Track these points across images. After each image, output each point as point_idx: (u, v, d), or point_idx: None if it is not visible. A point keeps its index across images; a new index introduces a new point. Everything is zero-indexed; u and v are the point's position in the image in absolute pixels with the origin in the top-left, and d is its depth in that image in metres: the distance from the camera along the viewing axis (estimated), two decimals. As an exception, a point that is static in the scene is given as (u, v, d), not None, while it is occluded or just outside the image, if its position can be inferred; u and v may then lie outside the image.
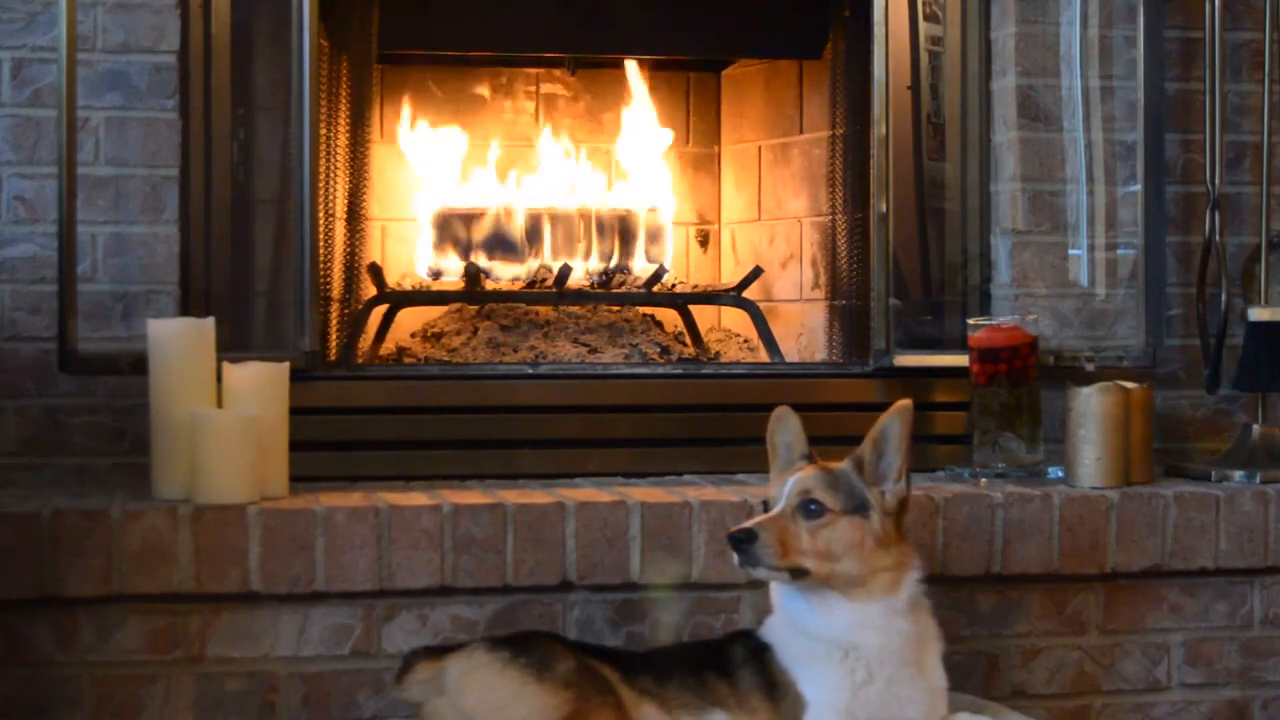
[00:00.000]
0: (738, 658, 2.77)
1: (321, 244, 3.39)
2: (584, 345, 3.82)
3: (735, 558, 2.64)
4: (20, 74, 3.26)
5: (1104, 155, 3.66)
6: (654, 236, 4.03)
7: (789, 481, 2.69)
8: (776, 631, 2.76)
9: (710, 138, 4.37)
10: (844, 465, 2.73)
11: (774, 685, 2.71)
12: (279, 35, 3.38)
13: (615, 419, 3.48)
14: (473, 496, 3.08)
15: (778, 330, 3.96)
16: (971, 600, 3.17)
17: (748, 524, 2.65)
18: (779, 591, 2.75)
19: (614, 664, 2.79)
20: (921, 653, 2.74)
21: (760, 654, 2.75)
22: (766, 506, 2.70)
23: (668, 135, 4.14)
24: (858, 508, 2.69)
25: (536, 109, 4.20)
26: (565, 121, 4.19)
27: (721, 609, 3.06)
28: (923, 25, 3.75)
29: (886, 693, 2.68)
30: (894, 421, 2.73)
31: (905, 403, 2.74)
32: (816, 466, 2.73)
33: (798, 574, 2.65)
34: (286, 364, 3.10)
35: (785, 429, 2.79)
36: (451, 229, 3.91)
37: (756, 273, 4.02)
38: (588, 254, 3.96)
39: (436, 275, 3.92)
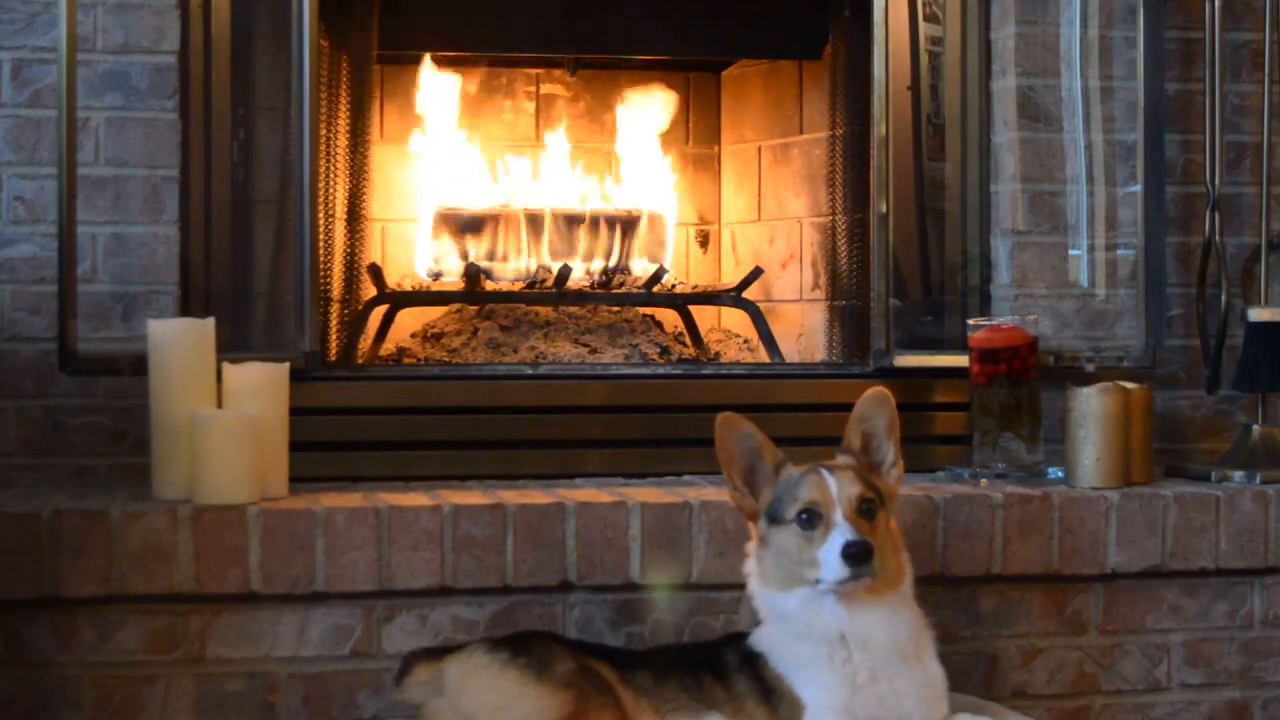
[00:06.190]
0: (732, 664, 2.76)
1: (321, 244, 3.39)
2: (584, 345, 3.82)
3: (846, 570, 2.60)
4: (20, 74, 3.26)
5: (1104, 155, 3.66)
6: (654, 237, 4.02)
7: (830, 484, 2.66)
8: (768, 639, 2.75)
9: (710, 138, 4.37)
10: (850, 460, 2.74)
11: (769, 691, 2.71)
12: (279, 35, 3.37)
13: (615, 419, 3.47)
14: (473, 496, 3.08)
15: (778, 331, 3.96)
16: (971, 600, 3.17)
17: (854, 537, 2.61)
18: (779, 600, 2.72)
19: (612, 663, 2.79)
20: (919, 643, 2.75)
21: (752, 661, 2.74)
22: (808, 515, 2.66)
23: (668, 134, 4.14)
24: (881, 499, 2.71)
25: (536, 109, 4.20)
26: (565, 121, 4.19)
27: (721, 609, 3.05)
28: (923, 25, 3.75)
29: (887, 689, 2.68)
30: (878, 410, 2.76)
31: (880, 390, 2.77)
32: (839, 466, 2.72)
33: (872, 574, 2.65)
34: (286, 364, 3.10)
35: (743, 435, 2.75)
36: (451, 229, 3.90)
37: (756, 273, 4.02)
38: (588, 254, 3.95)
39: (436, 276, 3.92)
